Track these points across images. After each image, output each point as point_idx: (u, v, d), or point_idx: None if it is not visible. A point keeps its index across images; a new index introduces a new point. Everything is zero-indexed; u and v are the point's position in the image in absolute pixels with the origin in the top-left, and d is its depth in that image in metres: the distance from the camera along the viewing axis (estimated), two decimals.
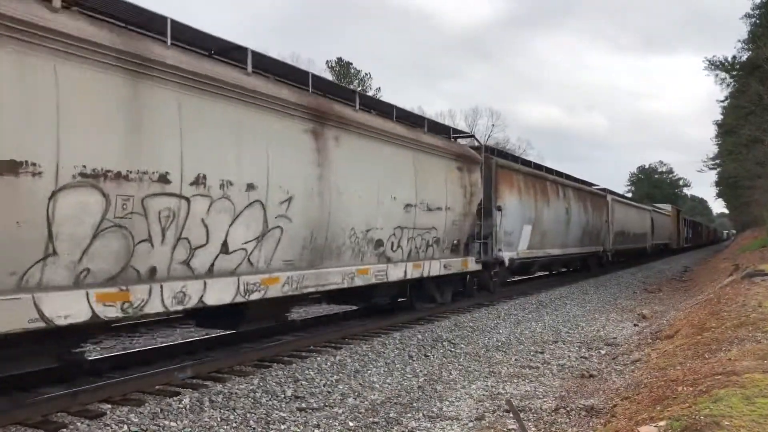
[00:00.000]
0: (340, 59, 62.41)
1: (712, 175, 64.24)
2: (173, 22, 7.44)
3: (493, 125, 74.33)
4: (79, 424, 5.99)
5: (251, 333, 10.26)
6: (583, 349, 10.51)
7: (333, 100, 10.53)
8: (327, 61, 62.65)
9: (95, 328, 7.27)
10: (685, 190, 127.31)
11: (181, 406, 6.53)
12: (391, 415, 6.63)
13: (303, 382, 7.75)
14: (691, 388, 5.83)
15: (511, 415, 6.33)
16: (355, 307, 13.66)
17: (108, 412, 6.30)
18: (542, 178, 20.88)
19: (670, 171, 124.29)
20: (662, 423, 4.80)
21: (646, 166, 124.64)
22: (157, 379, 7.49)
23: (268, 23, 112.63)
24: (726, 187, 61.19)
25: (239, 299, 7.98)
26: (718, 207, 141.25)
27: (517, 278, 21.94)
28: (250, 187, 8.08)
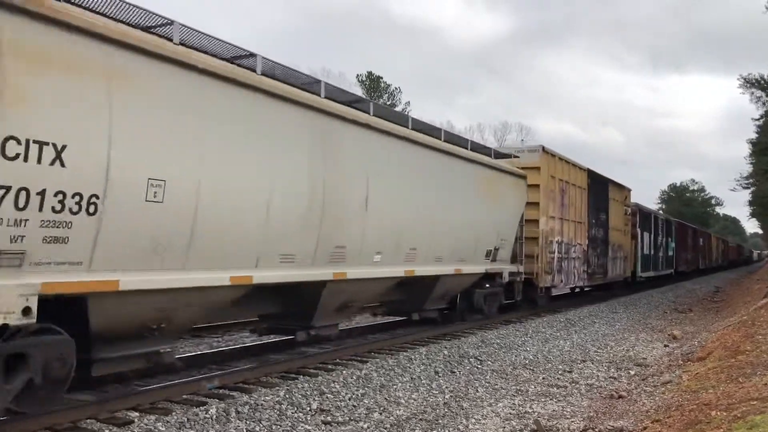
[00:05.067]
0: (370, 73, 62.75)
1: (745, 195, 62.90)
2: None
3: (522, 140, 74.05)
4: (107, 431, 6.04)
5: (277, 344, 10.30)
6: (612, 369, 10.34)
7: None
8: (357, 75, 63.03)
9: None
10: (717, 210, 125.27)
11: (207, 416, 6.55)
12: (416, 431, 6.58)
13: (329, 395, 7.73)
14: (725, 413, 5.69)
15: None
16: (398, 318, 14.39)
17: (136, 420, 6.34)
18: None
19: (702, 189, 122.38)
20: None
21: (677, 184, 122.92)
22: (185, 388, 7.54)
23: (272, 38, 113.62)
24: (760, 207, 59.92)
25: None
26: (751, 227, 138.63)
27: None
28: None
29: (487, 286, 14.73)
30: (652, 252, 32.23)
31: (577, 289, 23.59)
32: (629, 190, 27.74)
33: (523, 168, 16.11)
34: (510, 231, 15.12)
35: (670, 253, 38.01)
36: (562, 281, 18.65)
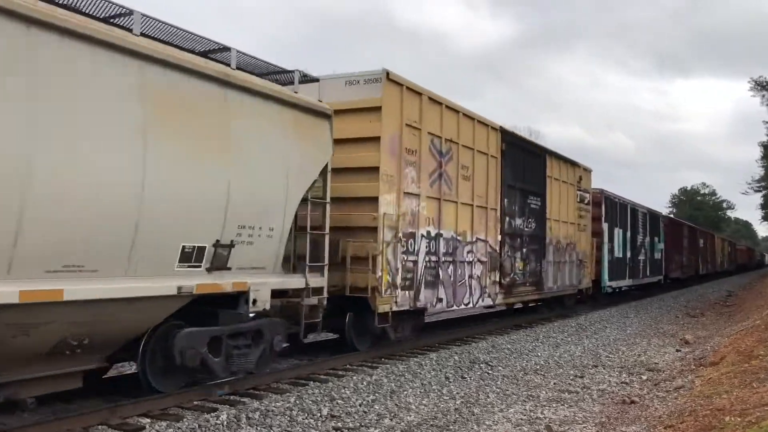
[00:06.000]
0: None
1: (757, 198, 62.36)
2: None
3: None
4: None
5: (287, 350, 10.28)
6: (624, 374, 10.28)
7: None
8: None
9: None
10: (729, 213, 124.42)
11: (218, 422, 6.56)
12: None
13: (339, 401, 7.72)
14: (739, 419, 5.65)
15: None
16: None
17: (147, 426, 6.36)
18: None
19: (713, 193, 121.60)
20: None
21: (688, 188, 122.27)
22: (196, 394, 7.55)
23: (282, 45, 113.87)
24: None
25: None
26: (764, 230, 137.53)
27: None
28: None
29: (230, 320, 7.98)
30: (629, 254, 25.40)
31: (485, 309, 15.97)
32: (587, 171, 20.75)
33: (352, 110, 10.24)
34: (276, 211, 8.24)
35: (658, 255, 31.26)
36: (440, 300, 11.80)
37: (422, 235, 11.29)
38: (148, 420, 6.61)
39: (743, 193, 52.93)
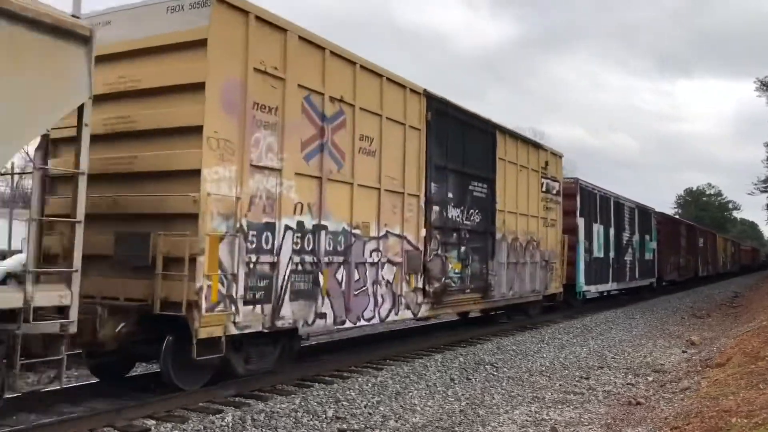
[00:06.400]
0: None
1: (763, 198, 62.08)
2: None
3: None
4: None
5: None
6: (630, 376, 10.25)
7: None
8: None
9: None
10: (735, 214, 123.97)
11: (223, 423, 6.56)
12: None
13: (344, 403, 7.72)
14: (745, 420, 5.62)
15: None
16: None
17: (152, 428, 6.37)
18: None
19: (719, 194, 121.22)
20: None
21: (693, 189, 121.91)
22: (201, 396, 7.55)
23: None
24: None
25: None
26: None
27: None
28: None
29: None
30: (612, 255, 22.47)
31: (401, 323, 12.87)
32: (556, 156, 17.51)
33: (168, 47, 7.53)
34: None
35: (650, 256, 28.37)
36: (321, 315, 8.86)
37: (287, 227, 8.25)
38: (154, 422, 6.61)
39: (749, 194, 52.71)
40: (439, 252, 11.72)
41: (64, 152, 7.41)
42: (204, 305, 7.01)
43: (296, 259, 8.42)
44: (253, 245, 7.77)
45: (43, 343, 5.78)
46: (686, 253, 36.79)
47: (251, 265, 7.73)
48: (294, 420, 6.93)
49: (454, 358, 10.88)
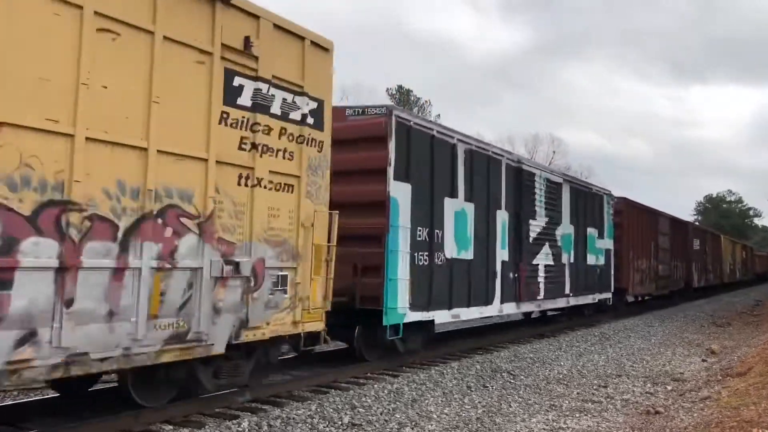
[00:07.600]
0: (400, 87, 62.80)
1: None
2: None
3: (554, 152, 73.04)
4: None
5: (309, 357, 10.31)
6: (648, 384, 10.14)
7: None
8: (387, 88, 63.03)
9: None
10: (756, 221, 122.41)
11: (240, 429, 6.59)
12: None
13: (360, 410, 7.71)
14: (767, 431, 5.54)
15: None
16: None
17: None
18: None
19: (740, 200, 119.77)
20: None
21: (714, 195, 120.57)
22: (218, 401, 7.58)
23: None
24: None
25: None
26: None
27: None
28: None
29: None
30: (507, 256, 13.57)
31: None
32: (301, 40, 7.91)
33: None
34: None
35: (598, 260, 19.06)
36: None
37: None
38: (171, 427, 6.66)
39: None
40: None
41: None
42: None
43: None
44: None
45: None
46: (671, 258, 28.08)
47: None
48: (310, 426, 6.94)
49: (470, 366, 10.84)
